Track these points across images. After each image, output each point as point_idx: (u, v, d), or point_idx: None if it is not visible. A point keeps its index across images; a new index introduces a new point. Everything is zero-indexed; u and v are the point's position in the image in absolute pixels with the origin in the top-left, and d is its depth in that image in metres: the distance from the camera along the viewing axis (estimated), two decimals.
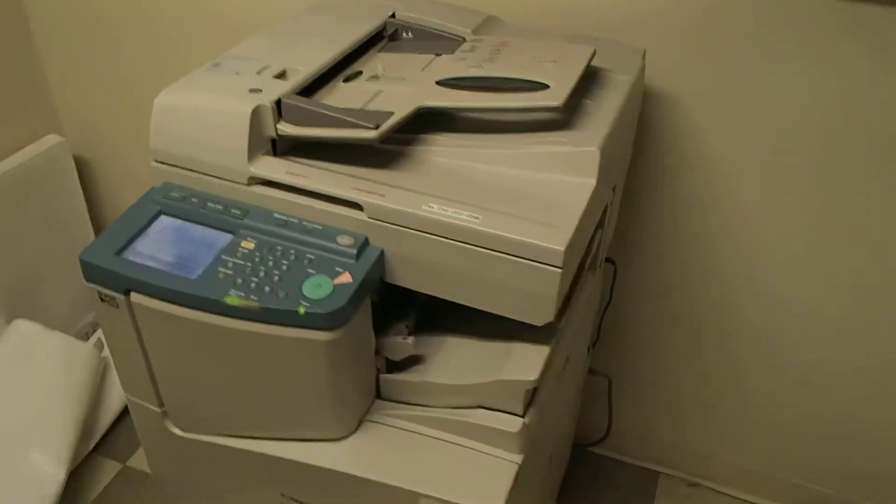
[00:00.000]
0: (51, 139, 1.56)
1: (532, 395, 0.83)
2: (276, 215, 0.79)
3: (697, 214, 1.22)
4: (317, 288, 0.73)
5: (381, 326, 0.85)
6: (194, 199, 0.82)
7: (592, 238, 0.94)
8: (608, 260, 1.18)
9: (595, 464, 1.58)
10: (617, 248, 1.27)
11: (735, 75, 1.08)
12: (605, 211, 0.95)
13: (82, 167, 1.65)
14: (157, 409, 0.88)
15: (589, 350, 1.28)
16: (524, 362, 0.79)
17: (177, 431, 0.89)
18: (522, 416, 0.80)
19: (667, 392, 1.46)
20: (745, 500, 1.51)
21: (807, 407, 1.36)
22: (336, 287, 0.73)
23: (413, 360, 0.86)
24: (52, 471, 1.38)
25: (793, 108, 1.07)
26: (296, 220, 0.79)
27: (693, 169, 1.18)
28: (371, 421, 0.85)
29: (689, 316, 1.34)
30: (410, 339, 0.83)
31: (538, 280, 0.72)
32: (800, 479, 1.45)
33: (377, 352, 0.84)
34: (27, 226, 1.54)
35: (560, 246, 0.69)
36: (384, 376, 0.85)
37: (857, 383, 1.29)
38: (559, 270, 0.70)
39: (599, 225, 0.96)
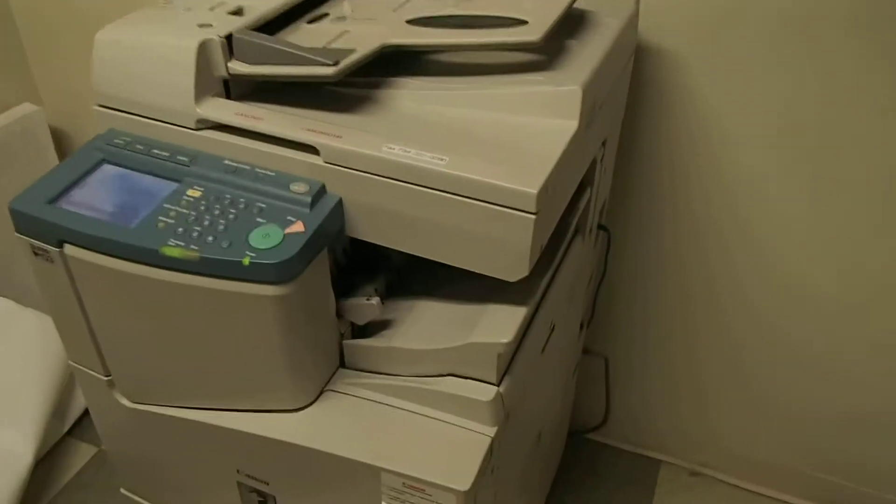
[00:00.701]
0: (25, 108, 1.49)
1: (509, 363, 0.75)
2: (226, 162, 0.72)
3: (698, 185, 1.14)
4: (265, 237, 0.66)
5: (350, 289, 0.78)
6: (139, 146, 0.75)
7: (579, 195, 0.86)
8: (603, 228, 1.10)
9: (593, 452, 1.50)
10: (613, 218, 1.20)
11: (746, 44, 1.00)
12: (593, 166, 0.87)
13: (60, 139, 1.58)
14: (104, 378, 0.81)
15: (583, 327, 1.20)
16: (497, 324, 0.72)
17: (125, 402, 0.82)
18: (497, 385, 0.73)
19: (666, 375, 1.38)
20: (749, 490, 1.42)
21: (817, 392, 1.27)
22: (286, 237, 0.66)
23: (381, 325, 0.79)
24: (20, 451, 1.32)
25: (804, 80, 1.00)
26: (247, 167, 0.72)
27: (694, 136, 1.09)
28: (332, 391, 0.78)
29: (688, 294, 1.26)
30: (375, 301, 0.76)
31: (510, 228, 0.64)
32: (812, 468, 1.36)
33: (340, 315, 0.77)
34: None
35: (532, 189, 0.62)
36: (347, 342, 0.78)
37: (870, 367, 1.20)
38: (532, 217, 0.63)
39: (588, 182, 0.89)
